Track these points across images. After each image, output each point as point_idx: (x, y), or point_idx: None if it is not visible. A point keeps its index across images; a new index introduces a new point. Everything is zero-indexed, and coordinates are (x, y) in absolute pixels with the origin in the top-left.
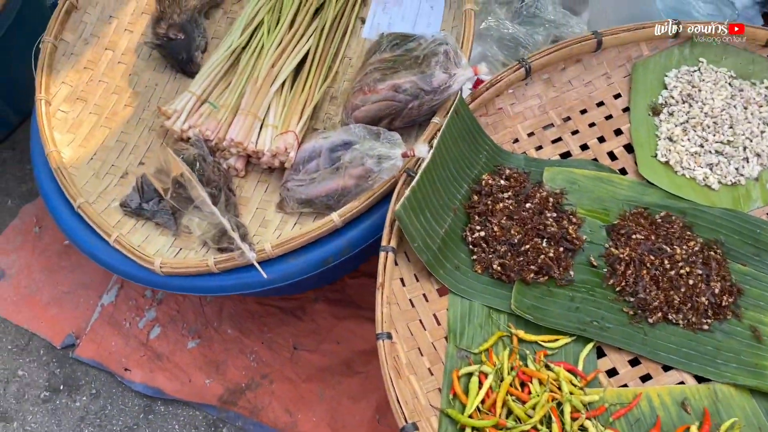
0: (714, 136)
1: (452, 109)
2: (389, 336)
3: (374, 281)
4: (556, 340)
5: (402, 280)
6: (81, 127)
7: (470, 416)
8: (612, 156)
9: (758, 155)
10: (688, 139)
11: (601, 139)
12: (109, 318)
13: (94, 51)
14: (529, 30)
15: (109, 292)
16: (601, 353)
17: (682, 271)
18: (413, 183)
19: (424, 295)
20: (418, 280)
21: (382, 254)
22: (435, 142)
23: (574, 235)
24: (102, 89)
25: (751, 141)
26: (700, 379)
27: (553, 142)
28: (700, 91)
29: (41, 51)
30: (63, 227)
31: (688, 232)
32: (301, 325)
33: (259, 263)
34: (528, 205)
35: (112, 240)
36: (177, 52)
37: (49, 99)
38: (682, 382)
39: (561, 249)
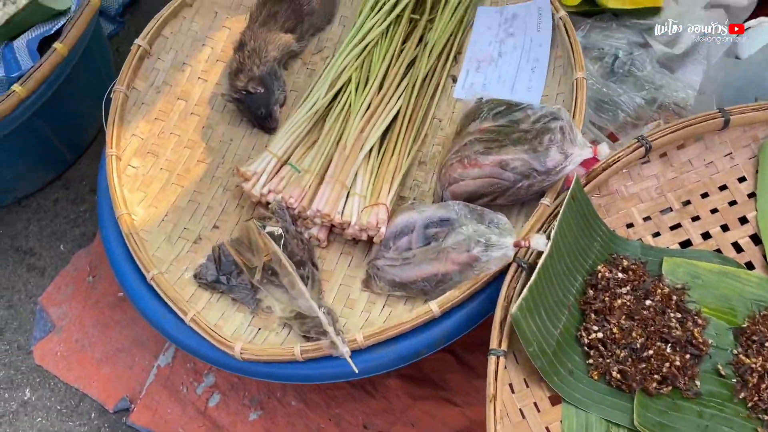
0: None
1: (569, 194)
2: None
3: (454, 357)
4: None
5: (511, 386)
6: (152, 184)
7: None
8: (737, 247)
9: None
10: None
11: (725, 228)
12: (165, 381)
13: (166, 100)
14: (627, 90)
15: (165, 353)
16: None
17: None
18: (530, 282)
19: (535, 403)
20: (527, 386)
21: (492, 359)
22: (552, 232)
23: (700, 340)
24: (174, 142)
25: None
26: None
27: (672, 228)
28: None
29: (112, 101)
30: (133, 298)
31: None
32: (372, 402)
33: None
34: (648, 302)
35: (188, 319)
36: (256, 106)
37: (120, 154)
38: None
39: (687, 356)
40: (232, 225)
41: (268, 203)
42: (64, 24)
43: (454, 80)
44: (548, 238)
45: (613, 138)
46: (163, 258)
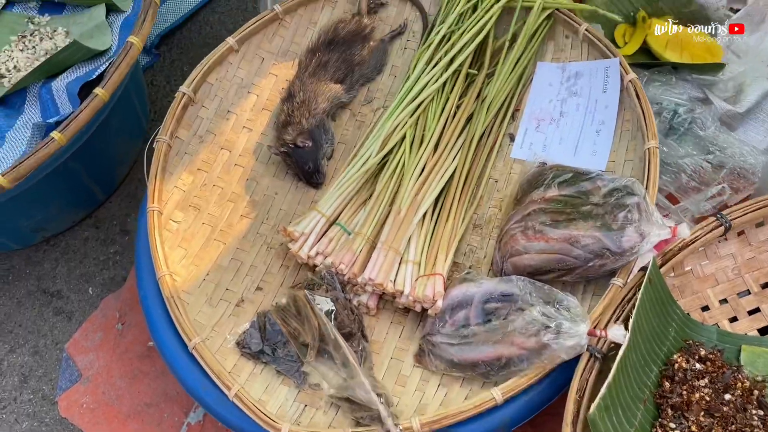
0: None
1: (646, 277)
2: None
3: None
4: None
5: None
6: (193, 240)
7: None
8: None
9: None
10: None
11: None
12: None
13: (209, 150)
14: (690, 151)
15: (196, 410)
16: None
17: None
18: (609, 379)
19: None
20: None
21: None
22: (630, 322)
23: None
24: (217, 195)
25: None
26: None
27: (750, 313)
28: None
29: (155, 152)
30: (173, 367)
31: None
32: None
33: None
34: (728, 396)
35: (232, 395)
36: (303, 161)
37: (161, 208)
38: None
39: None
40: (276, 286)
41: (315, 265)
42: (107, 68)
43: (512, 139)
44: (625, 326)
45: (672, 200)
46: (205, 323)
